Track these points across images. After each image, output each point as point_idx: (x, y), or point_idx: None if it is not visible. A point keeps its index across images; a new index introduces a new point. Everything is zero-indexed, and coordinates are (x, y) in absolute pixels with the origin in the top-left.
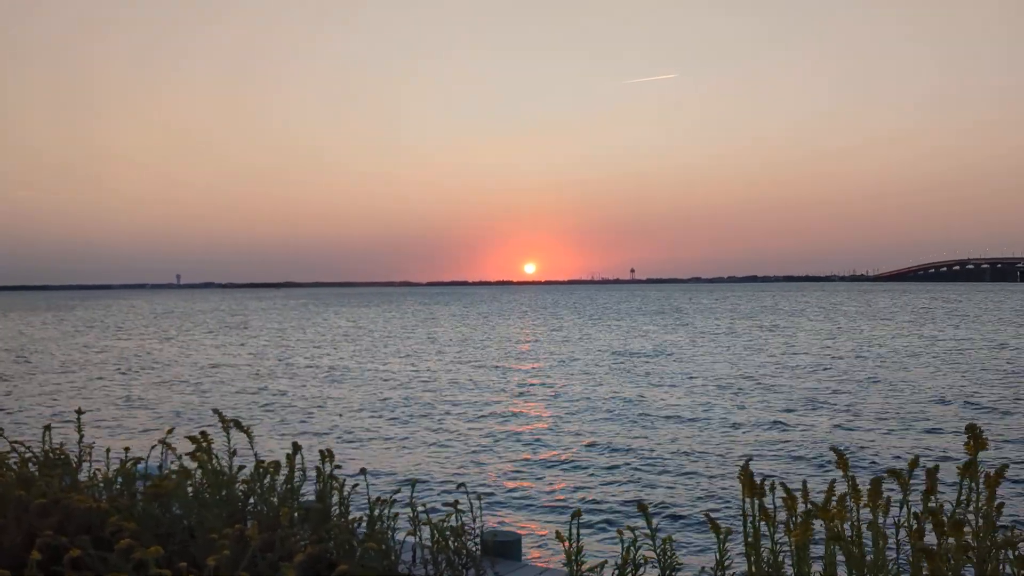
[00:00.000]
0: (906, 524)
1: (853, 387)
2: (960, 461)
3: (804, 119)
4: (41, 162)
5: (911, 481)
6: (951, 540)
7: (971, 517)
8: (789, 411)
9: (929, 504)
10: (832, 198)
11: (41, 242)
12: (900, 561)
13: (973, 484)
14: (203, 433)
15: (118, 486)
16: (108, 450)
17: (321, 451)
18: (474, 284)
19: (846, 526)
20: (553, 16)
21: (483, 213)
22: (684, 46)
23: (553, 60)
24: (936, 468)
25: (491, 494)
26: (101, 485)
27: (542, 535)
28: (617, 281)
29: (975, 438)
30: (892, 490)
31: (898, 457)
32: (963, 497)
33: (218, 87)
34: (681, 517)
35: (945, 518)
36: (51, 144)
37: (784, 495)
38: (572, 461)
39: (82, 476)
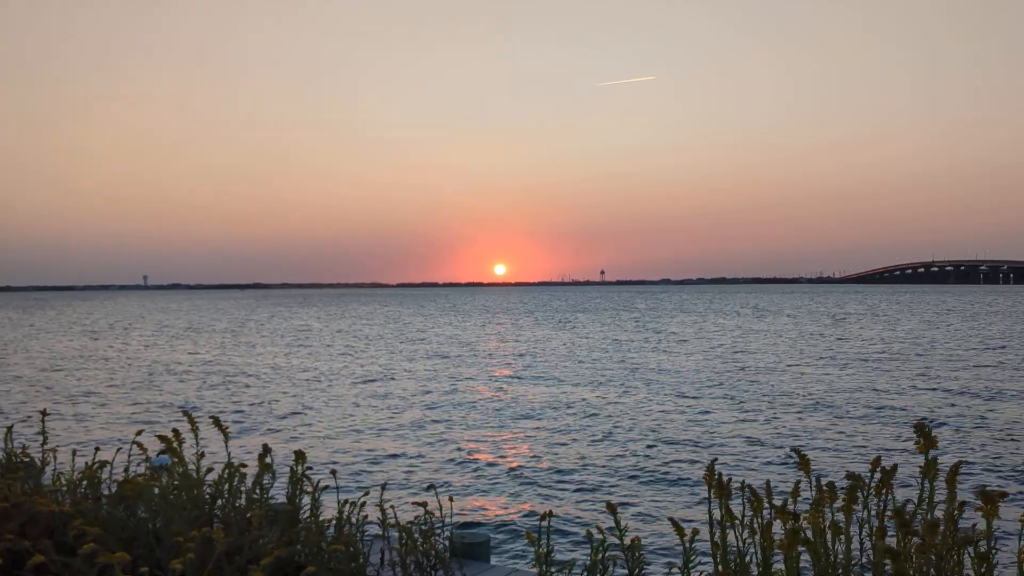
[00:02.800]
0: (867, 524)
1: (811, 387)
2: (902, 459)
3: (774, 123)
4: (1, 161)
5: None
6: (915, 539)
7: (929, 516)
8: (753, 410)
9: (886, 503)
10: (800, 200)
11: (2, 242)
12: (864, 562)
13: (929, 483)
14: (175, 431)
15: (83, 489)
16: (74, 452)
17: (296, 452)
18: (444, 286)
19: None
20: (527, 16)
21: (453, 214)
22: (661, 48)
23: (527, 60)
24: (894, 468)
25: (460, 495)
26: (65, 488)
27: (511, 536)
28: (587, 283)
29: (925, 436)
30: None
31: (852, 454)
32: (925, 496)
33: (181, 85)
34: (650, 517)
35: (908, 516)
36: (11, 143)
37: (751, 497)
38: (542, 462)
39: (46, 479)
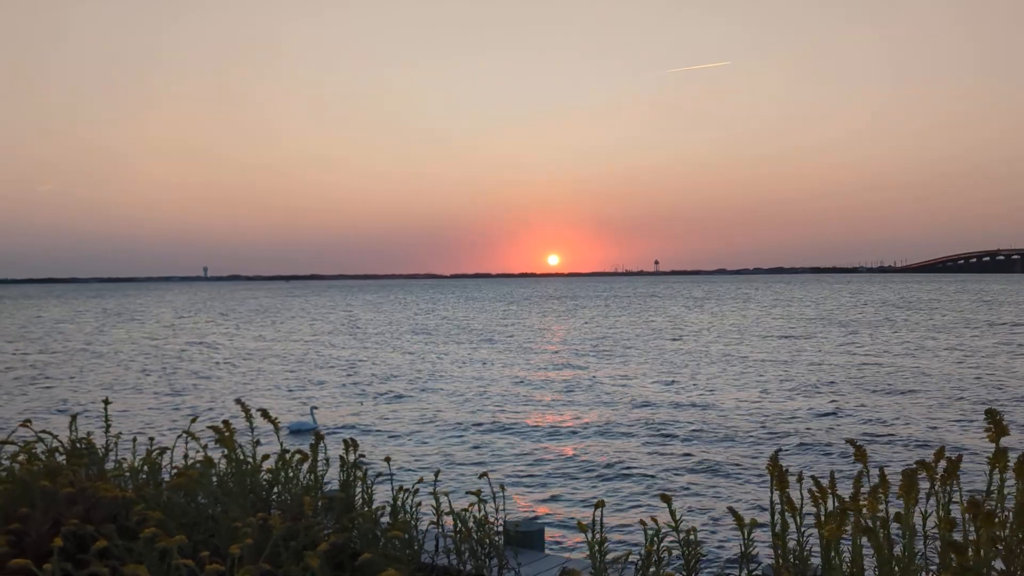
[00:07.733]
0: (935, 514)
1: (873, 375)
2: (972, 449)
3: (833, 112)
4: (64, 156)
5: (934, 472)
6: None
7: (1000, 508)
8: (806, 400)
9: (952, 493)
10: (863, 187)
11: (66, 235)
12: (929, 554)
13: (999, 472)
14: (226, 423)
15: (144, 475)
16: (135, 439)
17: (345, 440)
18: (497, 276)
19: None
20: (580, 4)
21: (507, 205)
22: (735, 35)
23: (580, 49)
24: (960, 457)
25: (514, 484)
26: (127, 475)
27: (565, 525)
28: (641, 273)
29: (996, 424)
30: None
31: (915, 446)
32: (993, 488)
33: (234, 82)
34: (705, 508)
35: (986, 507)
36: (73, 137)
37: (814, 487)
38: (595, 452)
39: (108, 465)
